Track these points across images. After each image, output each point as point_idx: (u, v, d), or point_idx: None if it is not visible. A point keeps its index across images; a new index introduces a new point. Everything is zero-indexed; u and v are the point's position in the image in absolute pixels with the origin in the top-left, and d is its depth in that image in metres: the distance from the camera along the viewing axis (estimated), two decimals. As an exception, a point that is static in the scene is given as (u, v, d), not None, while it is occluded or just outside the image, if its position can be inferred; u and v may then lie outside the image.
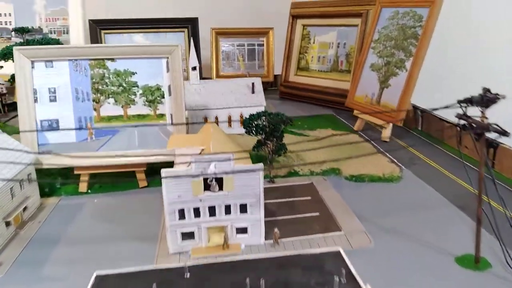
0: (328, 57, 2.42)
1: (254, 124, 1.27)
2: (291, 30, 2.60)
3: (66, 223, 1.17)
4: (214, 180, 0.94)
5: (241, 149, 1.24)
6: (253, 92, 1.82)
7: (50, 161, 1.29)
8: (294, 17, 2.57)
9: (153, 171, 1.39)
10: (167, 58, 1.34)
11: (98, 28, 2.51)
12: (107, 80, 1.33)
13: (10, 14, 2.52)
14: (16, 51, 1.27)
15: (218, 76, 2.73)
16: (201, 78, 2.61)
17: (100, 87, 1.33)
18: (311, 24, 2.51)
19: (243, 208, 0.98)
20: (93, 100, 1.34)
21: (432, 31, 1.60)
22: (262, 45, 2.74)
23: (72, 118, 1.32)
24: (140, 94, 1.35)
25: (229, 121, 1.80)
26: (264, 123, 1.30)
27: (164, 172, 0.93)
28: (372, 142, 1.77)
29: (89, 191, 1.35)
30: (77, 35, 2.51)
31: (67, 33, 2.53)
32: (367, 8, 2.17)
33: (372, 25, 1.91)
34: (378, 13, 1.88)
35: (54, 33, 2.53)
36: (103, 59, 1.32)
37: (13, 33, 2.51)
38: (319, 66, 2.48)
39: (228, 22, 2.78)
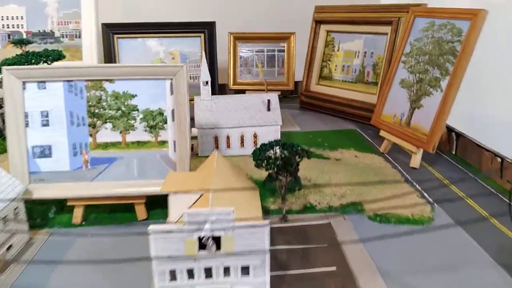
0: (353, 66, 2.24)
1: (265, 157, 1.12)
2: (314, 36, 2.42)
3: (52, 267, 1.05)
4: (210, 238, 0.80)
5: (248, 185, 1.10)
6: (268, 109, 1.66)
7: (41, 193, 1.17)
8: (318, 22, 2.39)
9: (154, 202, 1.27)
10: (171, 79, 1.20)
11: (110, 33, 2.40)
12: (104, 103, 1.21)
13: (22, 17, 2.43)
14: (5, 71, 1.16)
15: (235, 83, 2.58)
16: (218, 85, 2.52)
17: (97, 110, 1.21)
18: (335, 30, 2.33)
19: (245, 270, 0.84)
20: (89, 125, 1.21)
21: (473, 47, 1.41)
22: (283, 51, 2.57)
23: (66, 144, 1.20)
24: (141, 119, 1.22)
25: (242, 141, 1.65)
26: (276, 155, 1.15)
27: (152, 228, 0.79)
28: (400, 168, 1.59)
29: (83, 223, 1.23)
30: (90, 39, 2.40)
31: (79, 37, 2.43)
32: (398, 15, 1.97)
33: (403, 36, 1.72)
34: (411, 22, 1.69)
35: (66, 37, 2.44)
36: (100, 80, 1.19)
37: (25, 35, 2.43)
38: (343, 76, 2.30)
39: (247, 27, 2.63)
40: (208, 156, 1.57)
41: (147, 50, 2.45)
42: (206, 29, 2.45)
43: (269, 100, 1.65)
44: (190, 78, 2.49)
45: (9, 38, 2.45)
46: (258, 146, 1.62)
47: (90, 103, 1.20)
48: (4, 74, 1.15)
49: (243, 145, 1.65)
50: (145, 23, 2.44)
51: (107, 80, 1.19)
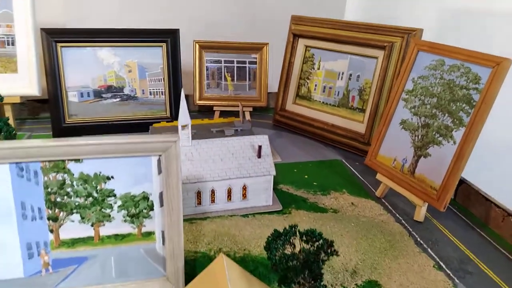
0: (336, 88, 2.05)
1: (286, 266, 0.90)
2: (291, 50, 2.19)
3: None
4: None
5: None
6: (259, 156, 1.43)
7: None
8: (296, 35, 2.16)
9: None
10: (159, 156, 0.93)
11: (52, 40, 2.00)
12: (69, 189, 0.91)
13: None
14: None
15: (201, 98, 2.30)
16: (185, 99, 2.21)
17: (59, 199, 0.91)
18: (316, 47, 2.11)
19: None
20: (49, 218, 0.92)
21: (494, 99, 1.27)
22: (255, 63, 2.31)
23: (17, 244, 0.90)
24: (119, 206, 0.95)
25: (229, 194, 1.41)
26: (296, 252, 0.93)
27: None
28: (403, 222, 1.45)
29: (44, 339, 0.95)
30: (26, 47, 1.99)
31: (13, 44, 2.00)
32: (391, 39, 1.79)
33: (404, 71, 1.55)
34: (414, 56, 1.52)
35: (-5, 43, 2.00)
36: (62, 161, 0.89)
37: None
38: (324, 97, 2.10)
39: (215, 35, 2.34)
40: (189, 216, 1.34)
41: (98, 62, 2.09)
42: (169, 38, 2.13)
43: (260, 146, 1.42)
44: (150, 94, 2.18)
45: None
46: (248, 199, 1.42)
47: (49, 189, 0.90)
48: None
49: (230, 199, 1.42)
50: (95, 29, 2.07)
51: (71, 159, 0.90)
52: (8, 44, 2.01)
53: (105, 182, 0.93)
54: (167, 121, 2.04)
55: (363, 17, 2.46)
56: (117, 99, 2.14)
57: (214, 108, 2.32)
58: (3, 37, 2.01)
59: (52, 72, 2.03)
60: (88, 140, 0.87)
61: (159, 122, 2.06)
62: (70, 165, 0.90)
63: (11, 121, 2.04)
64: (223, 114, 2.32)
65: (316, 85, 2.12)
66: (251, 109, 2.31)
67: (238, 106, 2.27)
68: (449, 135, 1.37)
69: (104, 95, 2.12)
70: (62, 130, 2.08)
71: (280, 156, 1.93)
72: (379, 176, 1.58)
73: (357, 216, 1.45)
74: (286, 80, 2.22)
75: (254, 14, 2.50)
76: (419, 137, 1.46)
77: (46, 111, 2.20)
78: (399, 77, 1.56)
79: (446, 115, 1.38)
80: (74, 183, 0.91)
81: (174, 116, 2.20)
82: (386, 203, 1.56)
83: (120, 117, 2.15)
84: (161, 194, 0.96)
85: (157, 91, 2.19)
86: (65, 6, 2.22)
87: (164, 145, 0.91)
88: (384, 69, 1.80)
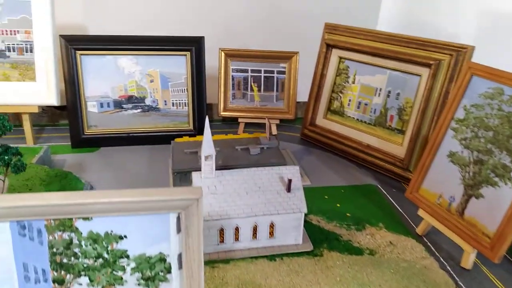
0: (372, 105, 1.89)
1: None
2: (324, 62, 2.03)
3: None
4: None
5: None
6: (288, 190, 1.29)
7: None
8: (329, 45, 2.00)
9: None
10: (179, 213, 0.81)
11: (71, 48, 1.90)
12: (77, 249, 0.80)
13: (-48, 22, 1.87)
14: None
15: (225, 109, 2.17)
16: (207, 112, 2.09)
17: (65, 260, 0.80)
18: (351, 59, 1.95)
19: None
20: (54, 281, 0.81)
21: None
22: (283, 72, 2.16)
23: (18, 310, 0.80)
24: (133, 268, 0.83)
25: (254, 232, 1.28)
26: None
27: None
28: (449, 269, 1.29)
29: None
30: (45, 54, 1.89)
31: (31, 51, 1.91)
32: (438, 57, 1.62)
33: (454, 96, 1.37)
34: (467, 81, 1.35)
35: (14, 50, 1.91)
36: (69, 219, 0.78)
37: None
38: (358, 114, 1.94)
39: (239, 43, 2.20)
40: (211, 256, 1.22)
41: (118, 71, 1.99)
42: (193, 46, 2.01)
43: (290, 180, 1.28)
44: (173, 105, 2.06)
45: None
46: (275, 237, 1.29)
47: (54, 249, 0.79)
48: None
49: (255, 237, 1.29)
50: (116, 36, 1.96)
51: (79, 217, 0.78)
52: (27, 51, 1.93)
53: (117, 242, 0.81)
54: (189, 136, 1.93)
55: (398, 25, 2.27)
56: (138, 110, 2.04)
57: (239, 120, 2.19)
58: (21, 44, 1.92)
59: (71, 81, 1.94)
60: (99, 198, 0.75)
61: (181, 135, 1.96)
62: (78, 223, 0.79)
63: (28, 131, 1.97)
64: (248, 125, 2.19)
65: (350, 100, 1.96)
66: (278, 121, 2.18)
67: (264, 118, 2.15)
68: (507, 176, 1.20)
69: (124, 106, 2.02)
70: (81, 141, 1.99)
71: (309, 177, 1.79)
72: (421, 213, 1.43)
73: (396, 259, 1.31)
74: (317, 93, 2.06)
75: (279, 21, 2.34)
76: (471, 174, 1.29)
77: (66, 118, 2.12)
78: (449, 102, 1.39)
79: (504, 152, 1.21)
80: (83, 242, 0.80)
81: (197, 129, 2.09)
82: (429, 243, 1.40)
83: (141, 129, 2.05)
84: (180, 256, 0.83)
85: (180, 102, 2.07)
86: (85, 12, 2.12)
87: (184, 202, 0.79)
88: (429, 89, 1.63)
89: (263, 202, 1.27)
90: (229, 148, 1.81)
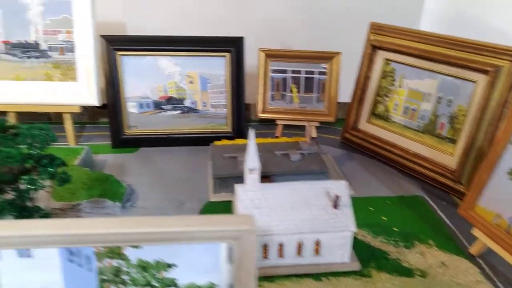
0: (420, 111, 1.79)
1: None
2: (369, 64, 1.94)
3: None
4: None
5: None
6: (335, 206, 1.24)
7: None
8: (375, 47, 1.90)
9: None
10: (231, 243, 0.77)
11: (111, 48, 1.89)
12: (125, 277, 0.77)
13: (-3, 23, 1.89)
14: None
15: (264, 111, 2.12)
16: (246, 113, 2.05)
17: (114, 287, 0.78)
18: (398, 61, 1.85)
19: None
20: (103, 308, 0.79)
21: None
22: (324, 73, 2.09)
23: (67, 335, 0.78)
24: (182, 297, 0.80)
25: (299, 249, 1.24)
26: None
27: None
28: (507, 295, 1.21)
29: None
30: (86, 54, 1.89)
31: (72, 51, 1.91)
32: (498, 63, 1.50)
33: (518, 109, 1.27)
34: (533, 93, 1.24)
35: (55, 50, 1.92)
36: (118, 247, 0.75)
37: (2, 46, 1.90)
38: (405, 120, 1.85)
39: (280, 44, 2.14)
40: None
41: (159, 71, 1.97)
42: (233, 47, 1.96)
43: (338, 196, 1.22)
44: (212, 107, 2.03)
45: (-18, 48, 1.92)
46: (321, 255, 1.24)
47: (103, 276, 0.77)
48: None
49: (300, 254, 1.24)
50: (156, 37, 1.94)
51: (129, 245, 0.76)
52: (68, 51, 1.93)
53: (167, 270, 0.78)
54: (228, 138, 1.90)
55: (443, 24, 2.14)
56: (178, 112, 2.02)
57: (277, 122, 2.14)
58: (62, 44, 1.92)
59: (111, 81, 1.93)
60: (149, 228, 0.72)
61: (219, 137, 1.93)
62: (127, 251, 0.77)
63: (69, 131, 1.98)
64: (286, 126, 2.14)
65: (396, 105, 1.87)
66: (317, 124, 2.11)
67: (303, 120, 2.09)
68: None
69: (164, 107, 2.01)
70: (121, 141, 2.00)
71: (352, 184, 1.72)
72: (476, 232, 1.34)
73: (449, 283, 1.23)
74: (360, 96, 1.98)
75: (318, 20, 2.25)
76: (535, 195, 1.20)
77: (106, 116, 2.13)
78: (508, 115, 1.29)
79: None
80: (132, 270, 0.77)
81: (236, 131, 2.05)
82: (484, 265, 1.32)
83: (179, 130, 2.04)
84: (230, 287, 0.80)
85: (218, 104, 2.03)
86: (125, 11, 2.10)
87: (237, 233, 0.75)
88: (486, 98, 1.52)
89: (309, 218, 1.22)
90: (268, 153, 1.77)
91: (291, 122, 2.13)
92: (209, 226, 0.74)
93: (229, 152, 1.77)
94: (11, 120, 1.97)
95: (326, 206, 1.24)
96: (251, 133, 1.20)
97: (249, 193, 1.24)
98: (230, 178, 1.64)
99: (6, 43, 1.92)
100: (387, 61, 1.88)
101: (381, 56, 1.90)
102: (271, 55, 2.07)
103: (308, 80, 2.10)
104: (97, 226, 0.73)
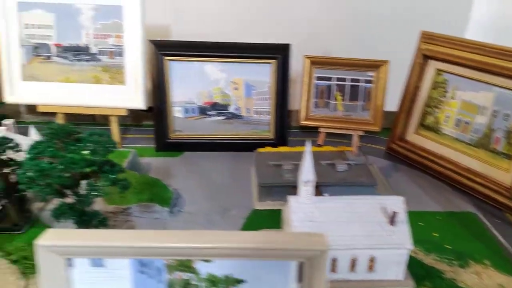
0: (474, 125, 1.73)
1: None
2: (419, 74, 1.89)
3: None
4: None
5: None
6: (392, 223, 1.20)
7: None
8: (427, 57, 1.85)
9: None
10: (301, 262, 0.75)
11: (159, 53, 1.91)
12: (195, 291, 0.77)
13: (50, 26, 1.95)
14: (41, 247, 0.72)
15: (307, 118, 2.10)
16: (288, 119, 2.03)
17: (182, 300, 0.78)
18: (451, 72, 1.79)
19: None
20: (170, 320, 0.79)
21: None
22: (371, 82, 2.05)
23: None
24: (249, 314, 0.79)
25: (353, 264, 1.21)
26: None
27: None
28: None
29: None
30: (135, 58, 1.92)
31: (121, 55, 1.95)
32: None
33: None
34: None
35: (105, 54, 1.96)
36: (189, 260, 0.75)
37: (54, 49, 1.96)
38: (457, 133, 1.79)
39: (325, 51, 2.11)
40: None
41: (204, 77, 1.98)
42: (280, 54, 1.95)
43: (395, 213, 1.19)
44: (255, 114, 2.02)
45: (35, 51, 1.98)
46: (375, 271, 1.21)
47: (173, 289, 0.77)
48: (38, 249, 0.72)
49: (353, 269, 1.22)
50: (203, 43, 1.95)
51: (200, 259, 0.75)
52: (117, 55, 1.96)
53: (235, 286, 0.77)
54: (270, 145, 1.89)
55: (491, 32, 2.06)
56: (222, 117, 2.03)
57: (320, 130, 2.11)
58: (112, 48, 1.96)
59: (158, 86, 1.95)
60: (222, 243, 0.72)
61: (262, 143, 1.93)
62: (198, 264, 0.76)
63: (116, 133, 2.02)
64: (328, 135, 2.12)
65: (447, 117, 1.81)
66: (361, 133, 2.07)
67: (347, 129, 2.06)
68: None
69: (209, 112, 2.02)
70: (166, 144, 2.02)
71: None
72: (537, 254, 1.28)
73: (509, 308, 1.18)
74: (409, 106, 1.93)
75: (363, 27, 2.21)
76: None
77: (149, 119, 2.16)
78: None
79: None
80: (201, 284, 0.77)
81: (278, 138, 2.04)
82: (545, 289, 1.26)
83: (223, 136, 2.04)
84: (298, 305, 0.78)
85: (262, 111, 2.03)
86: (173, 16, 2.12)
87: (309, 253, 0.73)
88: (549, 114, 1.45)
89: (363, 234, 1.19)
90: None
91: (334, 130, 2.10)
92: (283, 244, 0.73)
93: (273, 159, 1.75)
94: (60, 121, 2.02)
95: (382, 222, 1.21)
96: (308, 144, 1.18)
97: (303, 206, 1.22)
98: (276, 186, 1.63)
99: (58, 46, 1.97)
100: (439, 71, 1.83)
101: (432, 66, 1.85)
102: (316, 62, 2.05)
103: (354, 88, 2.07)
104: (171, 239, 0.73)
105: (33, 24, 1.95)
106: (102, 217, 1.12)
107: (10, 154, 1.22)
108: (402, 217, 1.21)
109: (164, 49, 1.92)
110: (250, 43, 1.94)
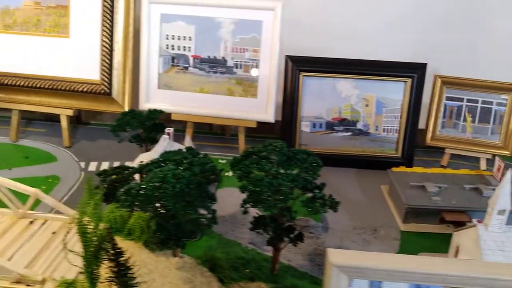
0: None
1: None
2: None
3: None
4: None
5: None
6: None
7: None
8: None
9: None
10: None
11: (296, 68, 1.95)
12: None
13: (190, 38, 2.03)
14: (335, 267, 0.75)
15: (433, 138, 2.08)
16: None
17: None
18: None
19: None
20: None
21: None
22: (504, 105, 2.00)
23: None
24: None
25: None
26: None
27: None
28: None
29: None
30: (269, 73, 1.97)
31: (256, 69, 2.00)
32: None
33: None
34: None
35: (240, 67, 2.02)
36: (472, 290, 0.76)
37: (192, 60, 2.03)
38: None
39: (458, 71, 2.07)
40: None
41: (336, 93, 1.99)
42: (415, 73, 1.94)
43: None
44: (384, 131, 2.02)
45: (173, 61, 2.07)
46: None
47: (443, 316, 0.78)
48: (330, 268, 0.75)
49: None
50: (337, 59, 1.97)
51: (479, 289, 0.76)
52: (252, 69, 2.02)
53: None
54: (396, 164, 1.87)
55: None
56: (349, 133, 2.03)
57: (446, 151, 2.08)
58: (248, 62, 2.01)
59: (291, 100, 1.99)
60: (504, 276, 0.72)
61: (387, 162, 1.93)
62: (474, 295, 0.76)
63: (242, 144, 2.06)
64: (453, 156, 2.08)
65: None
66: (490, 156, 2.03)
67: (476, 152, 2.03)
68: None
69: (336, 128, 2.03)
70: (289, 158, 2.04)
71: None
72: None
73: None
74: (549, 132, 1.87)
75: (488, 45, 2.16)
76: None
77: (265, 132, 2.20)
78: None
79: None
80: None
81: (405, 157, 2.02)
82: None
83: (348, 152, 2.05)
84: None
85: (391, 129, 2.02)
86: (308, 32, 2.15)
87: None
88: None
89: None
90: (453, 185, 1.73)
91: (462, 152, 2.06)
92: None
93: (412, 180, 1.74)
94: (189, 130, 2.09)
95: None
96: (509, 173, 1.17)
97: (493, 234, 1.20)
98: (423, 209, 1.62)
99: (195, 57, 2.05)
100: None
101: None
102: (448, 82, 2.03)
103: (485, 110, 2.03)
104: (452, 267, 0.74)
105: (174, 35, 2.04)
106: (298, 233, 1.14)
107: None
108: None
109: (300, 65, 1.95)
110: (385, 61, 1.94)
